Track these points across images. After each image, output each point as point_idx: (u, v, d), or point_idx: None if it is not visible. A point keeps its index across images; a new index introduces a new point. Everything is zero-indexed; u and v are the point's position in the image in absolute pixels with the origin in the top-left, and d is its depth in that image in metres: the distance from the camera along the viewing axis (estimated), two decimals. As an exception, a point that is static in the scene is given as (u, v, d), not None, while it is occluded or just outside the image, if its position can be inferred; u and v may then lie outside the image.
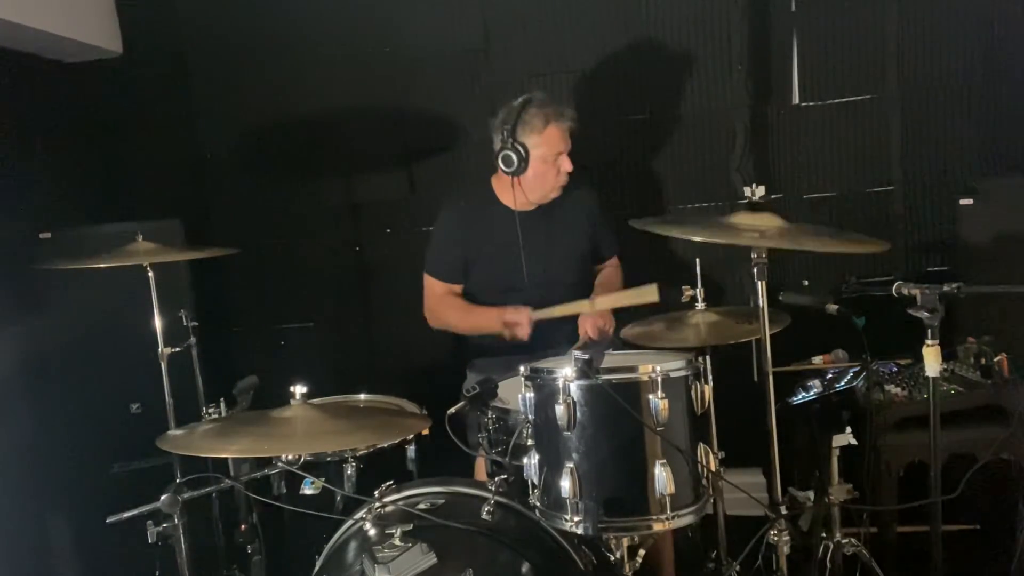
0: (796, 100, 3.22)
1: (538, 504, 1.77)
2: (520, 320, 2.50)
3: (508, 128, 2.53)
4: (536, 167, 2.55)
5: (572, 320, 2.64)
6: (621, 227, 2.89)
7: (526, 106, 2.54)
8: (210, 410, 2.22)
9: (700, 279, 2.36)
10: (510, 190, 2.61)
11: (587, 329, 2.49)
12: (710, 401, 1.85)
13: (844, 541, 2.20)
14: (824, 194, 3.25)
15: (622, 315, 2.56)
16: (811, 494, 2.17)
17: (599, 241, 2.83)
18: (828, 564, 2.18)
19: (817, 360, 2.68)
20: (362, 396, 2.60)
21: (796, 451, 2.40)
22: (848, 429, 2.20)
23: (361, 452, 2.26)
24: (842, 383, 2.40)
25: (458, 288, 2.74)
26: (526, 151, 2.53)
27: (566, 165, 2.57)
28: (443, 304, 2.73)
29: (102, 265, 2.56)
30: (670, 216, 3.32)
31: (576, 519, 1.68)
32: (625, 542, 1.82)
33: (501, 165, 2.55)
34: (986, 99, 3.09)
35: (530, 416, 1.77)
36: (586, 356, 1.66)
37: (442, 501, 1.85)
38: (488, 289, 2.70)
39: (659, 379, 1.66)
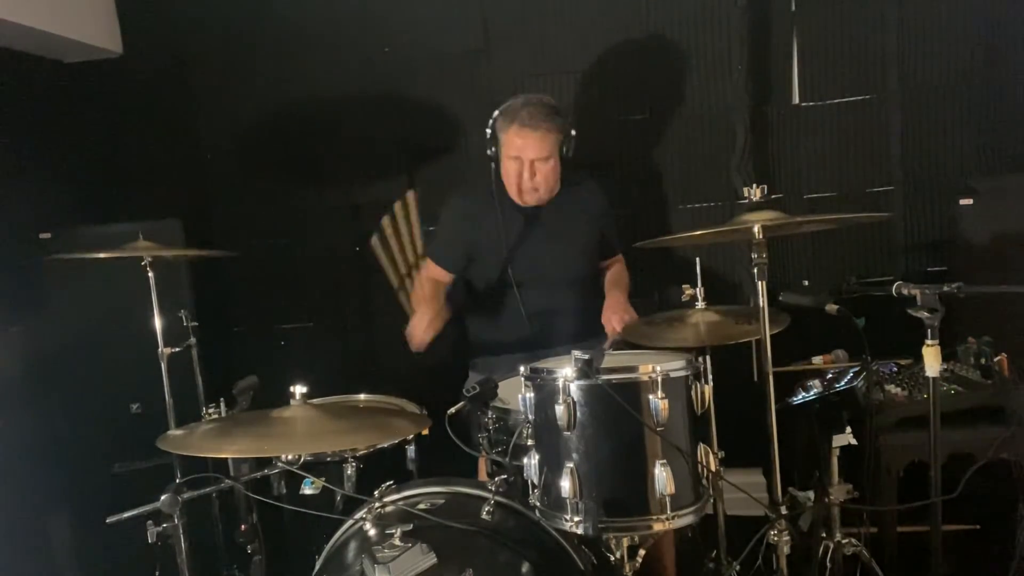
0: (796, 100, 3.22)
1: (538, 504, 1.77)
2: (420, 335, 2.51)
3: (492, 122, 2.57)
4: (506, 166, 2.57)
5: (576, 318, 2.64)
6: (622, 227, 2.90)
7: (513, 104, 2.54)
8: (210, 410, 2.21)
9: (700, 278, 2.36)
10: (512, 185, 2.62)
11: (614, 324, 2.47)
12: (710, 401, 1.85)
13: (844, 541, 2.20)
14: (824, 194, 3.25)
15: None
16: (811, 494, 2.16)
17: (604, 240, 2.82)
18: (828, 564, 2.18)
19: (817, 360, 2.69)
20: (362, 396, 2.59)
21: (796, 451, 2.40)
22: (848, 429, 2.19)
23: (361, 452, 2.25)
24: (842, 383, 2.40)
25: (446, 276, 2.70)
26: (497, 147, 2.56)
27: (527, 173, 2.52)
28: (422, 282, 2.70)
29: (102, 255, 2.57)
30: (672, 215, 3.34)
31: (576, 519, 1.68)
32: (625, 542, 1.81)
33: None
34: (986, 99, 3.10)
35: (530, 416, 1.77)
36: (586, 356, 1.66)
37: (442, 501, 1.85)
38: (489, 282, 2.69)
39: (659, 379, 1.66)
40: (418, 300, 2.62)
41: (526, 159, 2.51)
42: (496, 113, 2.57)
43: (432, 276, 2.70)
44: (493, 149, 2.58)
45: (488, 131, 2.58)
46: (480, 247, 2.66)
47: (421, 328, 2.49)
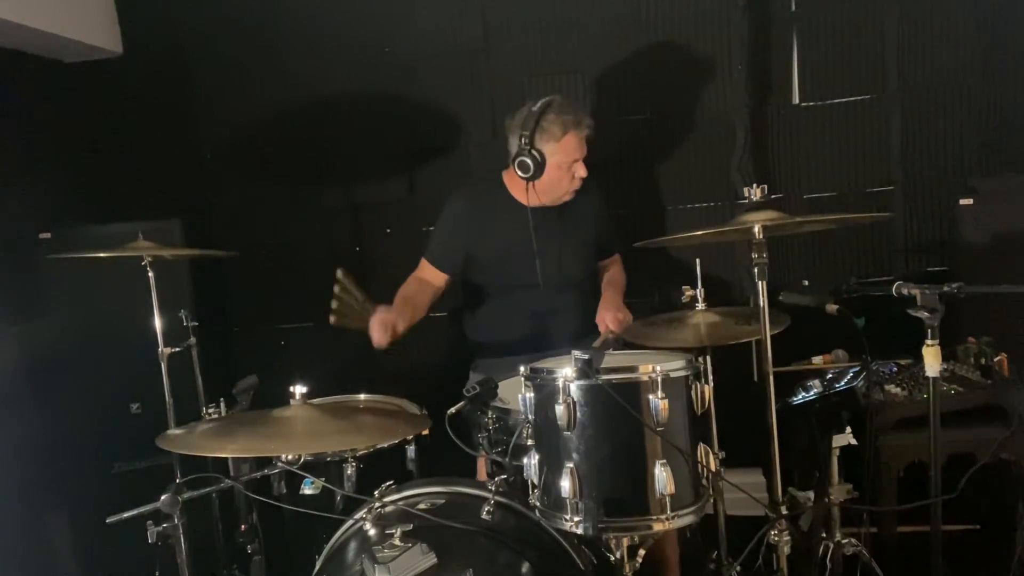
0: (796, 100, 3.22)
1: (538, 504, 1.77)
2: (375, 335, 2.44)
3: (526, 134, 2.49)
4: (552, 173, 2.54)
5: (577, 318, 2.64)
6: (622, 227, 2.90)
7: (545, 112, 2.50)
8: (210, 410, 2.21)
9: (700, 279, 2.36)
10: (522, 186, 2.61)
11: (608, 323, 2.47)
12: (710, 401, 1.85)
13: (844, 541, 2.20)
14: (824, 194, 3.25)
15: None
16: (811, 494, 2.17)
17: (603, 239, 2.82)
18: (828, 564, 2.18)
19: (817, 360, 2.68)
20: (362, 396, 2.59)
21: (796, 451, 2.40)
22: (848, 429, 2.20)
23: (361, 452, 2.25)
24: (842, 383, 2.40)
25: (442, 277, 2.69)
26: (543, 158, 2.50)
27: (581, 171, 2.56)
28: (411, 280, 2.69)
29: (102, 255, 2.57)
30: (672, 215, 3.34)
31: (576, 519, 1.68)
32: (625, 542, 1.81)
33: (518, 171, 2.52)
34: (986, 99, 3.10)
35: (530, 416, 1.76)
36: (586, 356, 1.66)
37: (442, 501, 1.85)
38: (498, 283, 2.69)
39: (659, 379, 1.66)
40: (402, 295, 2.62)
41: (580, 159, 2.55)
42: (530, 130, 2.48)
43: (423, 277, 2.70)
44: (535, 163, 2.49)
45: (526, 148, 2.48)
46: (484, 247, 2.66)
47: (376, 330, 2.43)
